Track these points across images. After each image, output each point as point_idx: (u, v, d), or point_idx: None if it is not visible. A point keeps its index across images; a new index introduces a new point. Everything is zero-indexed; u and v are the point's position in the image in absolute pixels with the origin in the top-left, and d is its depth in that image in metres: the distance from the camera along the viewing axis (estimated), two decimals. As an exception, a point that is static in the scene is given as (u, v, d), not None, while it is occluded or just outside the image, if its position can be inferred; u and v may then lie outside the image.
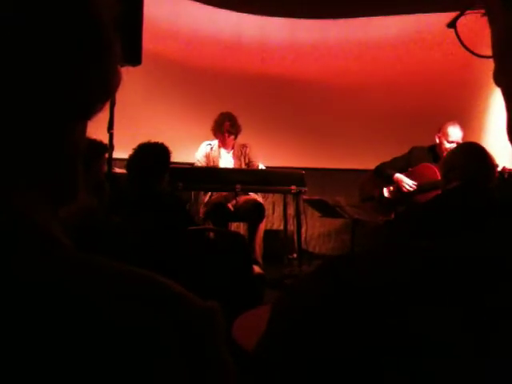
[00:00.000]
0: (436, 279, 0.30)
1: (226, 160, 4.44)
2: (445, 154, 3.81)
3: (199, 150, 4.44)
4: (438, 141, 3.91)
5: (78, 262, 0.41)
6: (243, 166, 4.39)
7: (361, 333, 0.31)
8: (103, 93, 0.47)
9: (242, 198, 4.30)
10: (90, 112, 0.47)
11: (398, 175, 4.01)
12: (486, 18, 0.41)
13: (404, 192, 3.96)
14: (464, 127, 3.95)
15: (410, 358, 0.29)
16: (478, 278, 0.30)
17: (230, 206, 4.26)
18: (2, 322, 0.36)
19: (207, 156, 4.39)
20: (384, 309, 0.31)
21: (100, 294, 0.39)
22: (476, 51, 0.48)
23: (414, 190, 3.86)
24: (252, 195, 4.38)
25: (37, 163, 0.44)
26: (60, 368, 0.36)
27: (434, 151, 3.96)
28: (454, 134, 3.83)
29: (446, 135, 3.85)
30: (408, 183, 3.95)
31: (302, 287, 0.37)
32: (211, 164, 4.36)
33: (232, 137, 4.36)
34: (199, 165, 4.37)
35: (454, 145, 3.75)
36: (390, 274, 0.32)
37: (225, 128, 4.29)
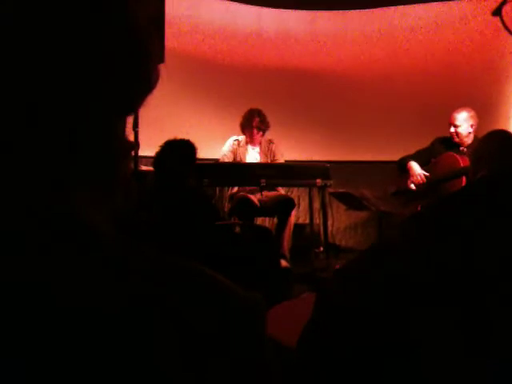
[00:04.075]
0: (436, 280, 0.29)
1: (253, 156, 4.44)
2: (455, 139, 3.79)
3: (226, 144, 4.44)
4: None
5: (118, 258, 0.42)
6: (269, 162, 4.38)
7: (362, 332, 0.31)
8: (144, 88, 0.48)
9: (269, 194, 4.28)
10: (131, 107, 0.48)
11: (411, 163, 3.99)
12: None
13: (415, 182, 3.93)
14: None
15: (410, 358, 0.29)
16: (478, 277, 0.30)
17: (255, 200, 4.25)
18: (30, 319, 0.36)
19: (234, 151, 4.38)
20: (387, 309, 0.31)
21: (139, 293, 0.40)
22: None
23: (440, 180, 3.80)
24: (279, 189, 4.39)
25: (83, 159, 0.45)
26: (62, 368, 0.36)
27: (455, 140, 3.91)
28: (456, 116, 3.82)
29: (450, 120, 3.85)
30: (417, 172, 3.91)
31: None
32: (238, 160, 4.36)
33: (260, 133, 4.37)
34: (226, 159, 4.37)
35: (459, 128, 3.79)
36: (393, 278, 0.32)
37: (254, 124, 4.30)
